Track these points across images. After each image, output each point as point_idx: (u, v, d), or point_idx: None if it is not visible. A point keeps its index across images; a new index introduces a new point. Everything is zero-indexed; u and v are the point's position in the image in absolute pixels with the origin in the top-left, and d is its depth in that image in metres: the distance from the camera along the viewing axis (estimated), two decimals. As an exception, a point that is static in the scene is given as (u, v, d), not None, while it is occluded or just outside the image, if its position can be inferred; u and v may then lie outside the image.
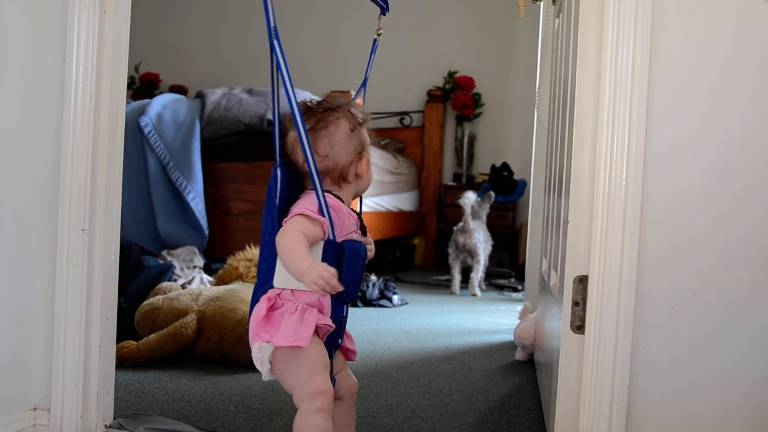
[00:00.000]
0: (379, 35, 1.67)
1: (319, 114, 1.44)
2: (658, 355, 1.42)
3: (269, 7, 1.33)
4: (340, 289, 1.28)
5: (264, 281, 1.39)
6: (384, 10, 1.68)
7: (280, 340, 1.31)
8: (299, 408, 1.33)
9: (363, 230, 1.48)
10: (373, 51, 1.66)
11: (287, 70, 1.33)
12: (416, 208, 6.13)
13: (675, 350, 1.42)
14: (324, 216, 1.35)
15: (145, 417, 1.83)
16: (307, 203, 1.37)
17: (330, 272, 1.27)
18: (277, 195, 1.40)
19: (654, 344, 1.42)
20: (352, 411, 1.52)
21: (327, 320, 1.36)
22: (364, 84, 1.64)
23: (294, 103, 1.32)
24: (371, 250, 1.50)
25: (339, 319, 1.41)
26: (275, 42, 1.33)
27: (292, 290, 1.36)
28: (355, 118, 1.47)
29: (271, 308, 1.36)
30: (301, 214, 1.35)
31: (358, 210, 1.53)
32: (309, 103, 1.47)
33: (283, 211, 1.40)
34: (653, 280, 1.42)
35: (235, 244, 3.51)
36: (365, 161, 1.48)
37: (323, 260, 1.35)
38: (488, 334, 3.27)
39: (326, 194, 1.38)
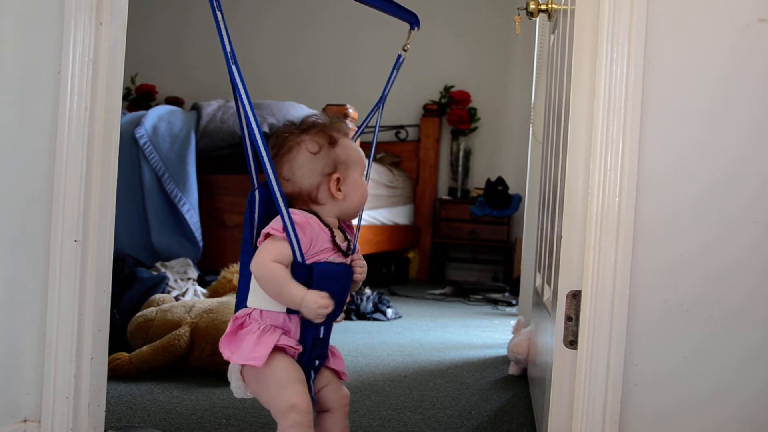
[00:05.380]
0: (405, 50, 1.65)
1: (284, 138, 1.46)
2: (650, 371, 1.42)
3: (223, 34, 1.36)
4: (330, 308, 1.33)
5: (240, 300, 1.41)
6: (414, 24, 1.66)
7: (237, 358, 1.35)
8: (278, 425, 1.35)
9: (347, 250, 1.44)
10: (396, 67, 1.64)
11: (247, 94, 1.36)
12: (411, 221, 6.13)
13: (667, 366, 1.42)
14: (289, 233, 1.34)
15: (137, 429, 1.82)
16: (274, 221, 1.38)
17: (323, 301, 1.32)
18: (255, 217, 1.42)
19: (646, 360, 1.42)
20: (344, 423, 1.50)
21: (291, 342, 1.37)
22: (381, 100, 1.63)
23: (255, 125, 1.34)
24: (360, 272, 1.46)
25: (311, 340, 1.39)
26: (233, 67, 1.36)
27: (261, 310, 1.38)
28: (325, 139, 1.44)
29: (240, 327, 1.38)
30: (268, 234, 1.36)
31: (354, 229, 1.52)
32: (285, 125, 1.48)
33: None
34: (646, 296, 1.42)
35: (229, 257, 3.50)
36: (338, 181, 1.43)
37: None
38: (482, 348, 3.27)
39: (295, 211, 1.38)
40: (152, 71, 6.84)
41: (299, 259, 1.35)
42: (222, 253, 3.82)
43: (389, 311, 3.99)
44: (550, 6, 2.04)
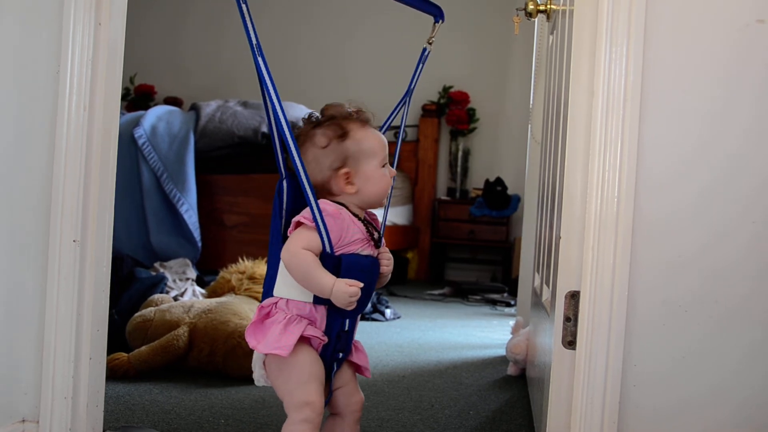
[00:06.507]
0: (430, 44, 1.63)
1: (299, 131, 1.45)
2: (649, 371, 1.43)
3: (248, 25, 1.36)
4: (358, 294, 1.34)
5: (267, 290, 1.42)
6: (438, 17, 1.63)
7: (263, 347, 1.35)
8: (287, 417, 1.36)
9: (377, 243, 1.45)
10: (421, 60, 1.62)
11: (273, 85, 1.36)
12: (410, 221, 6.13)
13: (666, 366, 1.42)
14: (318, 225, 1.35)
15: (136, 429, 1.82)
16: (306, 211, 1.38)
17: (353, 289, 1.33)
18: (283, 207, 1.42)
19: (645, 360, 1.42)
20: (353, 428, 1.50)
21: (317, 332, 1.38)
22: (408, 94, 1.60)
23: (283, 117, 1.35)
24: (386, 265, 1.46)
25: (336, 332, 1.40)
26: (259, 59, 1.36)
27: (287, 300, 1.38)
28: (336, 131, 1.42)
29: (267, 316, 1.39)
30: (299, 223, 1.37)
31: (380, 221, 1.51)
32: (306, 117, 1.47)
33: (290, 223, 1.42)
34: (644, 297, 1.42)
35: (228, 257, 3.50)
36: (347, 175, 1.42)
37: None
38: (480, 348, 3.27)
39: (327, 201, 1.39)
40: (151, 71, 6.83)
41: (328, 249, 1.36)
42: (221, 254, 3.82)
43: (388, 311, 3.99)
44: (548, 6, 2.04)
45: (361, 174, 1.43)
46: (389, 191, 1.49)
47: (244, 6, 1.35)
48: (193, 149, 3.84)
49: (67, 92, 1.60)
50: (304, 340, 1.37)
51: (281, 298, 1.39)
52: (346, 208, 1.42)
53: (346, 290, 1.33)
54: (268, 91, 1.37)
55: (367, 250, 1.42)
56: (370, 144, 1.44)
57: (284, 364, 1.37)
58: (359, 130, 1.44)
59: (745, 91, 1.39)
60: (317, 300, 1.37)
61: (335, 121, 1.44)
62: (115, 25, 1.67)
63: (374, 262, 1.44)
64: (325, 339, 1.39)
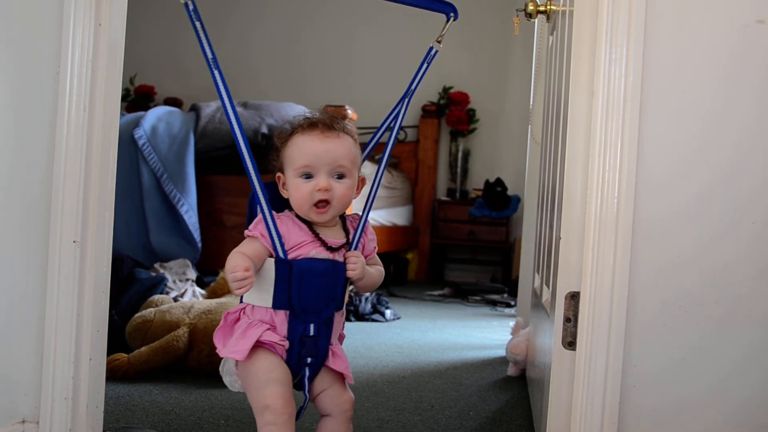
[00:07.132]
0: (439, 42, 1.57)
1: None
2: (649, 372, 1.43)
3: (203, 40, 1.41)
4: (243, 276, 1.29)
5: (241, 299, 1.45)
6: (451, 14, 1.58)
7: (224, 351, 1.38)
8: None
9: (340, 246, 1.42)
10: (426, 59, 1.57)
11: (230, 99, 1.42)
12: (410, 222, 6.13)
13: (666, 367, 1.42)
14: (270, 230, 1.38)
15: (136, 430, 1.82)
16: (253, 222, 1.42)
17: (232, 265, 1.31)
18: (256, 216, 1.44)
19: (645, 361, 1.43)
20: (345, 427, 1.48)
21: (276, 337, 1.37)
22: (407, 94, 1.55)
23: (238, 128, 1.39)
24: (351, 269, 1.41)
25: (298, 336, 1.38)
26: (215, 72, 1.42)
27: (252, 306, 1.41)
28: (286, 137, 1.44)
29: (236, 321, 1.41)
30: (246, 236, 1.41)
31: (365, 224, 1.49)
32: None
33: None
34: (644, 297, 1.42)
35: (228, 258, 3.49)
36: (279, 179, 1.45)
37: (276, 277, 1.38)
38: (480, 349, 3.27)
39: (274, 212, 1.40)
40: (151, 72, 6.83)
41: (281, 254, 1.38)
42: (221, 254, 3.79)
43: (388, 312, 3.99)
44: (548, 7, 2.04)
45: (287, 181, 1.43)
46: (329, 206, 1.41)
47: (198, 23, 1.40)
48: (193, 150, 3.84)
49: (67, 92, 1.60)
50: (264, 344, 1.37)
51: (247, 305, 1.41)
52: (296, 214, 1.43)
53: (231, 269, 1.31)
54: (224, 103, 1.40)
55: (324, 254, 1.40)
56: (292, 150, 1.42)
57: (246, 370, 1.38)
58: (298, 136, 1.42)
59: (744, 91, 1.39)
60: (276, 305, 1.38)
61: (297, 125, 1.44)
62: (115, 25, 1.67)
63: (334, 265, 1.40)
64: (286, 344, 1.38)
